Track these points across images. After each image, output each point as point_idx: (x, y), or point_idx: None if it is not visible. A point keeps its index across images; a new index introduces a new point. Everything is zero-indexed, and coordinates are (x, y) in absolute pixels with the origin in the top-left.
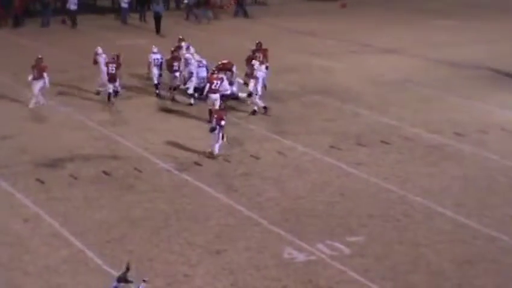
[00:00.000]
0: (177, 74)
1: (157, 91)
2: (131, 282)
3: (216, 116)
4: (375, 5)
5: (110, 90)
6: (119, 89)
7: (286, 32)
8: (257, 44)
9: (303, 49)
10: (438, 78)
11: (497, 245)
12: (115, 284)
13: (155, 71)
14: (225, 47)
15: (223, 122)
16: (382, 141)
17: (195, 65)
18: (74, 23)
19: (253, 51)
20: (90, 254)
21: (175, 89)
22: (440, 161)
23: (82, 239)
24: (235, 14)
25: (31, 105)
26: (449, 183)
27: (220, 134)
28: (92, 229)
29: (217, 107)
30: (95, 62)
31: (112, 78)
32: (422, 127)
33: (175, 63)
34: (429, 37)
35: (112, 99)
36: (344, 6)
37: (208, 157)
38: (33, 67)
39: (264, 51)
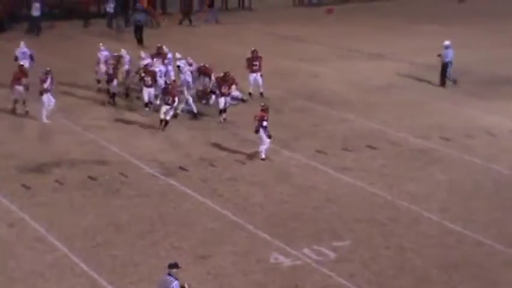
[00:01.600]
0: (151, 89)
1: (100, 85)
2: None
3: (257, 117)
4: (362, 10)
5: (115, 90)
6: (115, 89)
7: (274, 37)
8: (253, 51)
9: (290, 54)
10: (424, 83)
11: (483, 250)
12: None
13: (101, 68)
14: (212, 51)
15: (264, 123)
16: (368, 146)
17: (187, 72)
18: (38, 31)
19: (249, 60)
20: (75, 259)
21: (147, 104)
22: (426, 166)
23: (68, 244)
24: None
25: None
26: (435, 188)
27: (264, 136)
28: (77, 234)
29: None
30: (16, 59)
31: (110, 79)
32: (408, 132)
33: (147, 78)
34: (415, 42)
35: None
36: (330, 12)
37: (262, 160)
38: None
39: (260, 59)
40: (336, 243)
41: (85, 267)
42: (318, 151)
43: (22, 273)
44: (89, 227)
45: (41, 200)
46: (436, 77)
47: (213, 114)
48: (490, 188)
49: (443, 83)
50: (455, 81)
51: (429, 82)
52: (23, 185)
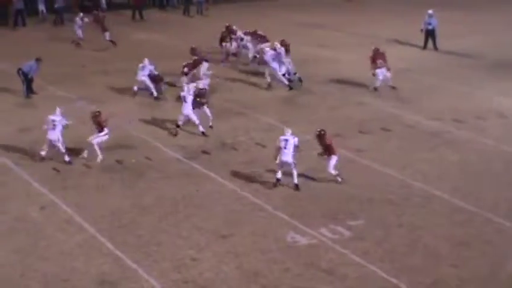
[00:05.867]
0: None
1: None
2: None
3: None
4: None
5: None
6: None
7: (294, 25)
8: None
9: (311, 41)
10: (439, 68)
11: (493, 227)
12: None
13: None
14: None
15: None
16: (383, 129)
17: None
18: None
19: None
20: (102, 239)
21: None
22: (439, 147)
23: (95, 225)
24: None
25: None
26: (447, 168)
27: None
28: (104, 215)
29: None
30: None
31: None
32: (422, 114)
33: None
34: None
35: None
36: None
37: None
38: None
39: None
40: (350, 222)
41: (111, 247)
42: (336, 134)
43: (52, 253)
44: (116, 209)
45: (70, 183)
46: (450, 62)
47: (243, 101)
48: (500, 168)
49: (425, 46)
50: (436, 48)
51: (443, 66)
52: (54, 169)
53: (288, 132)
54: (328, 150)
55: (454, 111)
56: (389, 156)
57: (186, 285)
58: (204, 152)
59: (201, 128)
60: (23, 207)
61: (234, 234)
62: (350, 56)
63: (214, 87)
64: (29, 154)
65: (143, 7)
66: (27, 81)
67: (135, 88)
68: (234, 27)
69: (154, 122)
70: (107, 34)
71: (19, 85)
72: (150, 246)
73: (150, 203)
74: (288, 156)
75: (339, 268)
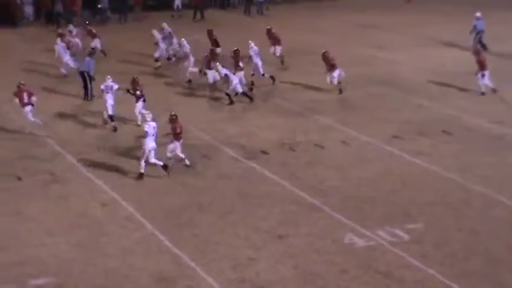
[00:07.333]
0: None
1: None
2: None
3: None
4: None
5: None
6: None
7: (353, 26)
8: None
9: (369, 42)
10: (500, 70)
11: None
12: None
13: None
14: (292, 40)
15: None
16: (443, 131)
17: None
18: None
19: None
20: (161, 237)
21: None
22: (500, 151)
23: (154, 222)
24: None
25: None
26: (509, 172)
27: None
28: (163, 213)
29: None
30: None
31: None
32: (483, 117)
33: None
34: (492, 30)
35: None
36: (409, 1)
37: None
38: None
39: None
40: (409, 225)
41: (169, 245)
42: (395, 136)
43: (113, 250)
44: (174, 207)
45: (130, 181)
46: (509, 64)
47: (302, 102)
48: None
49: (485, 48)
50: (485, 47)
51: (502, 68)
52: (115, 167)
53: (150, 118)
54: (176, 135)
55: None
56: (449, 159)
57: (243, 284)
58: (263, 152)
59: (104, 118)
60: (85, 204)
61: (291, 235)
62: (408, 58)
63: (274, 87)
64: (92, 151)
65: (205, 7)
66: (89, 81)
67: (63, 71)
68: (164, 23)
69: (214, 122)
70: (95, 41)
71: (78, 84)
72: (208, 245)
73: (208, 202)
74: (154, 142)
75: (397, 271)
